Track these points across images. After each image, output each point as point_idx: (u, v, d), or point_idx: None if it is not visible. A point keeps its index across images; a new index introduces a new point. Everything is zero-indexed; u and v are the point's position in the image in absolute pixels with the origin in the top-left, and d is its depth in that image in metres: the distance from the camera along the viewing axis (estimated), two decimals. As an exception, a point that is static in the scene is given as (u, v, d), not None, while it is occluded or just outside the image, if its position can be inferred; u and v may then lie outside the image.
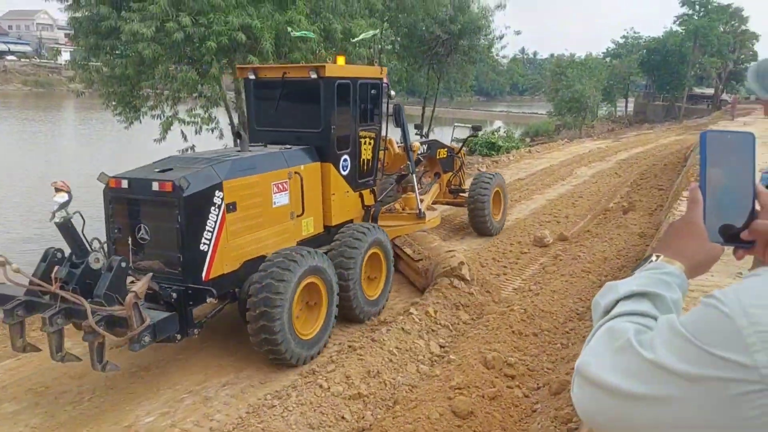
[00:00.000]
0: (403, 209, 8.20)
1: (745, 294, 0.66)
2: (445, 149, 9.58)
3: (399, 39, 17.63)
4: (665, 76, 47.16)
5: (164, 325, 4.49)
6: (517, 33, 27.89)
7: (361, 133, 6.94)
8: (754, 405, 0.62)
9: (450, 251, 7.40)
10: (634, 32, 49.95)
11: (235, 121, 12.92)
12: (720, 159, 0.92)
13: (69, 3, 11.57)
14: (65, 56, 43.60)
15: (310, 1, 11.44)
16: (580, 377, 0.78)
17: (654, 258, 0.97)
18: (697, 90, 52.55)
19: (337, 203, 6.69)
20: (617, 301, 0.88)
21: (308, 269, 5.36)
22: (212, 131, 12.04)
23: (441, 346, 6.08)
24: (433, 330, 6.30)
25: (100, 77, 11.94)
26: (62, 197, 4.67)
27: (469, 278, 7.02)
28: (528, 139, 30.68)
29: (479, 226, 9.57)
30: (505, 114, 54.92)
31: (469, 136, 11.72)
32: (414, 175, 7.92)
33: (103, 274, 4.53)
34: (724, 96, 49.65)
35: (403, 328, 6.05)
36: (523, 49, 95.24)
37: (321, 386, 4.93)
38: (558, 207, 12.36)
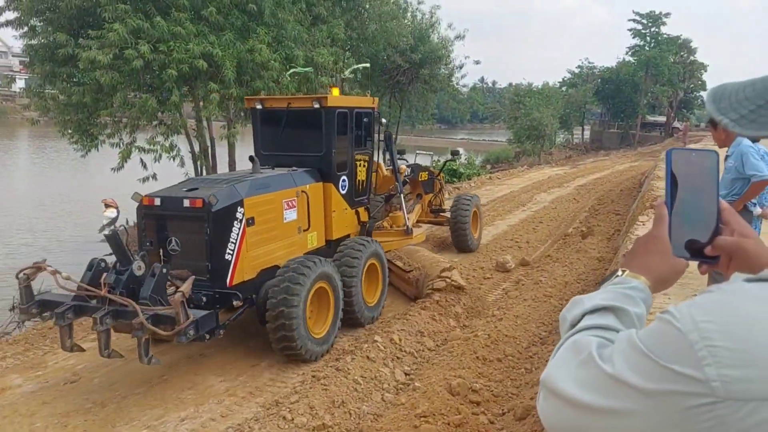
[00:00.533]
0: (390, 227, 8.91)
1: (696, 309, 0.68)
2: (426, 172, 10.20)
3: (362, 67, 17.87)
4: (619, 104, 48.95)
5: (205, 321, 5.06)
6: (477, 62, 28.63)
7: (357, 157, 7.66)
8: (707, 417, 0.63)
9: (439, 261, 8.15)
10: (589, 62, 51.79)
11: (196, 148, 12.79)
12: (685, 176, 0.95)
13: (24, 30, 11.37)
14: (20, 84, 42.60)
15: (272, 30, 11.51)
16: (545, 389, 0.80)
17: (620, 272, 0.99)
18: (650, 118, 54.56)
19: (337, 219, 7.41)
20: (583, 315, 0.90)
21: (319, 275, 6.01)
22: (173, 159, 11.87)
23: (406, 374, 6.04)
24: (398, 357, 6.27)
25: (57, 105, 11.71)
26: (111, 213, 5.28)
27: (462, 283, 7.83)
28: (489, 166, 31.20)
29: (461, 244, 10.26)
30: (465, 141, 55.80)
31: (447, 161, 12.62)
32: (402, 195, 8.69)
33: (147, 279, 5.16)
34: (676, 123, 51.69)
35: (367, 356, 6.00)
36: (482, 78, 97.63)
37: (284, 418, 4.83)
38: (519, 232, 12.55)
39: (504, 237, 12.09)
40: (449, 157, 11.74)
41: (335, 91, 7.49)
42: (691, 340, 0.65)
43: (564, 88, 46.91)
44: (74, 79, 11.39)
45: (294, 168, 7.05)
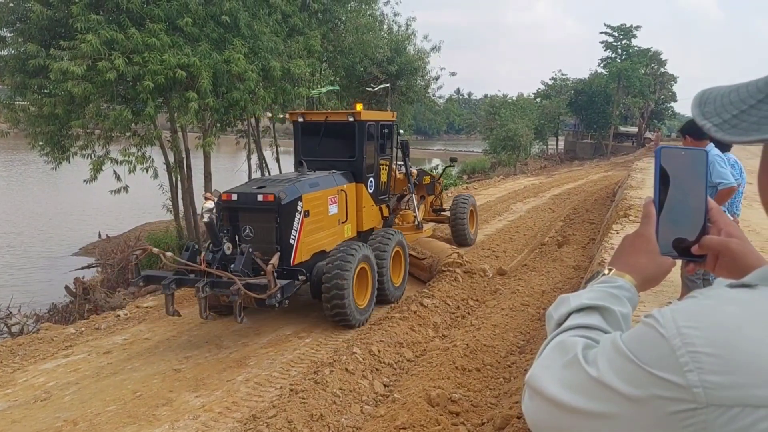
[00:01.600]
0: (401, 223, 10.36)
1: (680, 315, 0.68)
2: (429, 176, 11.56)
3: (338, 79, 17.87)
4: (592, 115, 49.72)
5: (287, 288, 6.44)
6: (452, 74, 28.82)
7: (380, 162, 9.12)
8: (689, 423, 0.63)
9: (447, 249, 9.67)
10: (562, 74, 52.53)
11: (171, 159, 12.64)
12: (674, 174, 0.95)
13: (-6, 41, 11.15)
14: (-11, 95, 41.72)
15: (248, 41, 11.46)
16: (530, 389, 0.80)
17: (606, 271, 0.99)
18: (623, 128, 55.52)
19: (366, 214, 8.81)
20: (569, 314, 0.91)
21: (362, 257, 7.36)
22: (146, 170, 11.68)
23: (385, 385, 6.00)
24: (377, 369, 6.23)
25: (27, 116, 11.47)
26: (210, 204, 6.41)
27: (464, 262, 9.31)
28: (465, 176, 31.40)
29: (460, 239, 11.50)
30: (442, 152, 56.17)
31: (447, 166, 13.75)
32: (413, 195, 10.16)
33: (237, 256, 6.52)
34: (648, 134, 52.72)
35: (346, 369, 5.95)
36: (458, 89, 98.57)
37: (262, 433, 4.75)
38: (496, 242, 12.62)
39: (481, 246, 12.14)
40: (449, 163, 12.83)
41: (359, 106, 8.68)
42: (674, 345, 0.65)
43: (538, 100, 47.53)
44: (45, 91, 11.18)
45: (333, 170, 8.33)
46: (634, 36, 49.36)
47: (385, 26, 18.18)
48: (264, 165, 16.04)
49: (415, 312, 7.74)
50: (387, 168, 9.34)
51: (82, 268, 14.48)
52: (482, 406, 5.43)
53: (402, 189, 10.20)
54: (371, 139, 8.73)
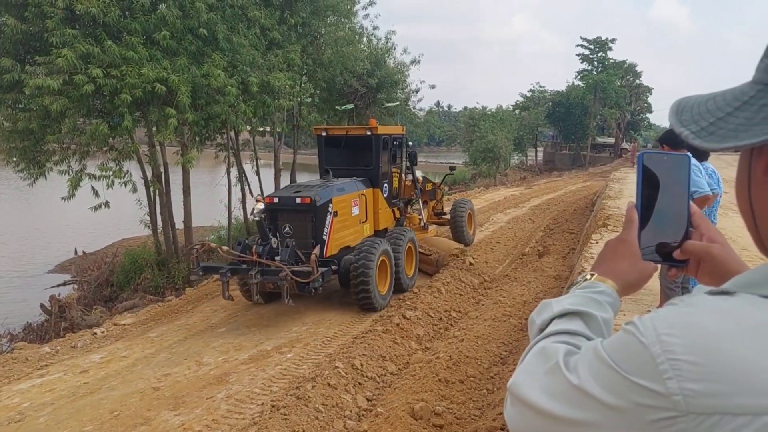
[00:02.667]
0: (408, 224, 11.30)
1: (660, 322, 0.68)
2: (431, 183, 12.69)
3: (318, 92, 17.87)
4: (570, 126, 50.29)
5: (326, 274, 7.72)
6: (432, 87, 28.95)
7: (393, 170, 10.42)
8: (668, 431, 0.63)
9: (451, 245, 11.30)
10: (540, 86, 53.18)
11: (149, 174, 12.51)
12: (656, 179, 0.95)
13: (-34, 55, 10.95)
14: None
15: (228, 54, 11.42)
16: (512, 395, 0.80)
17: (588, 276, 1.00)
18: (600, 139, 56.24)
19: (381, 215, 10.05)
20: (552, 319, 0.91)
21: (382, 251, 8.52)
22: (125, 185, 11.53)
23: (368, 400, 5.95)
24: (359, 383, 6.18)
25: (1, 132, 11.28)
26: (261, 205, 7.78)
27: (467, 258, 10.91)
28: (446, 188, 31.49)
29: (459, 238, 12.48)
30: (423, 164, 56.49)
31: (446, 175, 14.64)
32: (420, 200, 11.38)
33: (282, 249, 7.85)
34: (624, 144, 53.46)
35: (328, 383, 5.89)
36: (438, 102, 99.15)
37: (243, 451, 4.67)
38: (477, 252, 12.64)
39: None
40: (448, 171, 13.80)
41: (373, 122, 9.95)
42: (654, 353, 0.65)
43: (517, 112, 47.98)
44: (20, 105, 11.01)
45: (354, 177, 9.56)
46: (610, 49, 50.26)
47: (364, 39, 18.26)
48: (244, 178, 15.95)
49: (397, 324, 7.71)
50: (398, 175, 10.70)
51: (58, 286, 14.22)
52: (466, 418, 5.40)
53: (410, 194, 11.39)
54: (385, 149, 9.97)
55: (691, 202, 0.96)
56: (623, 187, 17.49)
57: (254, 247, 7.73)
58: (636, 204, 0.97)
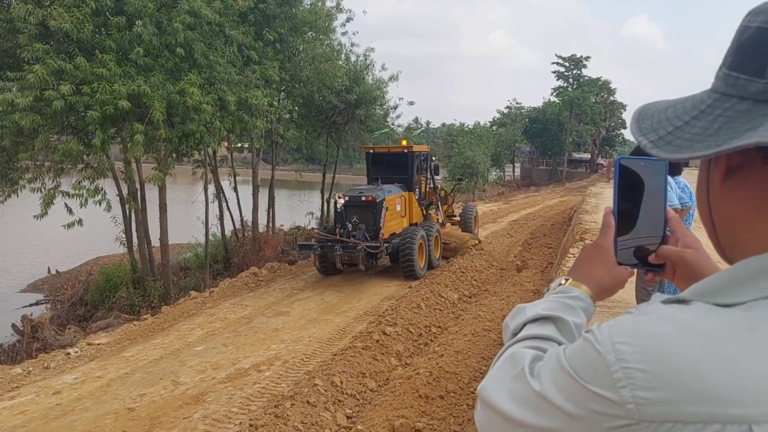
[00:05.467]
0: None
1: (615, 330, 0.68)
2: (444, 191, 15.51)
3: (297, 108, 17.88)
4: (547, 142, 51.04)
5: (386, 249, 11.02)
6: (411, 103, 29.10)
7: (421, 178, 13.54)
8: None
9: (466, 236, 14.11)
10: (517, 103, 53.85)
11: (124, 191, 12.36)
12: (634, 184, 0.95)
13: (-64, 71, 10.77)
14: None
15: (204, 71, 11.39)
16: (481, 400, 0.81)
17: (563, 281, 1.00)
18: (576, 155, 57.12)
19: (414, 212, 13.05)
20: (524, 324, 0.91)
21: (421, 235, 11.59)
22: (99, 204, 11.32)
23: (348, 417, 5.89)
24: (339, 400, 6.12)
25: (-28, 149, 11.07)
26: (342, 200, 11.27)
27: (480, 240, 14.48)
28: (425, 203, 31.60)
29: (468, 233, 15.14)
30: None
31: (456, 185, 18.22)
32: (439, 203, 14.36)
33: (360, 231, 11.10)
34: (600, 160, 54.28)
35: (308, 401, 5.82)
36: (416, 118, 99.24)
37: (220, 472, 4.58)
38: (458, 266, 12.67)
39: (447, 270, 12.17)
40: (457, 182, 17.81)
41: (404, 142, 13.51)
42: (608, 361, 0.66)
43: (494, 128, 48.54)
44: (-8, 122, 10.83)
45: (395, 183, 12.58)
46: (584, 66, 51.20)
47: (343, 56, 18.34)
48: (222, 195, 15.84)
49: (377, 341, 7.67)
50: (425, 182, 13.87)
51: (31, 305, 13.92)
52: (446, 434, 5.37)
53: (431, 198, 14.20)
54: (416, 162, 12.98)
55: (668, 207, 0.97)
56: (600, 202, 17.72)
57: (337, 230, 11.03)
58: (613, 209, 0.98)
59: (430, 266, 12.01)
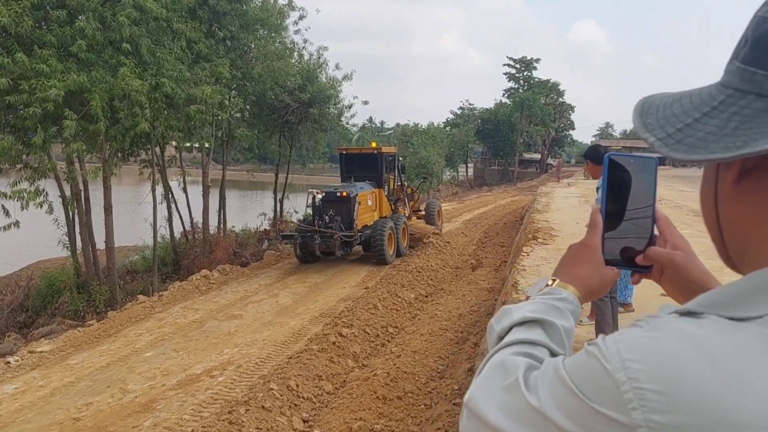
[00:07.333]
0: None
1: (624, 346, 0.63)
2: (410, 188, 16.99)
3: (248, 107, 17.59)
4: (498, 143, 51.92)
5: (359, 239, 12.74)
6: (365, 103, 29.15)
7: (389, 177, 14.88)
8: None
9: (428, 228, 15.65)
10: (469, 104, 54.72)
11: (67, 192, 11.89)
12: (623, 181, 0.93)
13: None
14: None
15: (152, 68, 11.06)
16: (468, 410, 0.75)
17: (550, 281, 0.96)
18: (527, 155, 58.32)
19: (384, 207, 14.45)
20: (511, 327, 0.87)
21: (390, 226, 13.09)
22: (40, 206, 10.81)
23: (305, 421, 5.81)
24: (295, 404, 6.03)
25: None
26: (321, 194, 12.54)
27: (440, 232, 16.12)
28: (394, 198, 31.68)
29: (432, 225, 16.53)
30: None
31: (421, 182, 19.78)
32: (406, 199, 15.80)
33: (335, 223, 12.32)
34: (550, 160, 55.64)
35: (263, 406, 5.71)
36: (371, 118, 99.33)
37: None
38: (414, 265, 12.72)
39: (404, 269, 12.19)
40: (422, 180, 19.15)
41: (374, 143, 15.24)
42: (618, 380, 0.61)
43: (448, 128, 49.06)
44: None
45: (367, 181, 13.97)
46: (535, 68, 52.44)
47: (295, 54, 18.16)
48: (171, 196, 15.43)
49: (333, 343, 7.60)
50: (393, 180, 15.24)
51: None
52: (405, 435, 5.36)
53: (398, 194, 15.63)
54: (385, 162, 14.40)
55: (657, 207, 0.95)
56: (550, 201, 18.10)
57: (315, 222, 12.35)
58: (601, 207, 0.95)
59: (399, 254, 13.47)
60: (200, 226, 16.30)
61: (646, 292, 5.61)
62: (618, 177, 0.93)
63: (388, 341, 8.25)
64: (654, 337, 0.63)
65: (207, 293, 11.02)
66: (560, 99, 57.67)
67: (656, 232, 0.96)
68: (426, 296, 10.56)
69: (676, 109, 0.72)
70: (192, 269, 13.74)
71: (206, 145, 15.81)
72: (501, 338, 0.86)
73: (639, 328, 0.66)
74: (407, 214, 15.48)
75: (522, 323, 0.86)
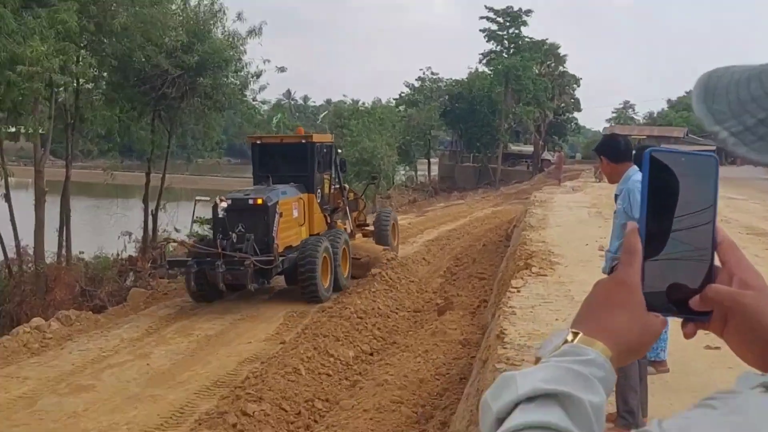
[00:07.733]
0: None
1: None
2: (353, 193, 17.50)
3: (106, 74, 17.32)
4: (474, 129, 52.71)
5: (283, 263, 13.02)
6: (281, 70, 28.92)
7: (324, 177, 15.18)
8: None
9: (381, 250, 16.04)
10: (432, 73, 55.16)
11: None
12: (669, 191, 0.92)
13: None
14: None
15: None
16: None
17: (570, 336, 0.93)
18: (514, 147, 59.63)
19: (316, 219, 14.67)
20: (516, 404, 0.83)
21: (324, 248, 13.21)
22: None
23: None
24: None
25: None
26: (224, 204, 12.56)
27: (396, 255, 16.45)
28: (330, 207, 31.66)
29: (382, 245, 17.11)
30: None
31: (369, 184, 20.32)
32: (347, 208, 16.14)
33: (246, 243, 12.42)
34: (546, 155, 56.70)
35: None
36: (289, 92, 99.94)
37: None
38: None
39: (339, 316, 12.15)
40: (370, 182, 19.48)
41: (301, 130, 15.80)
42: None
43: (402, 108, 49.67)
44: None
45: (291, 183, 14.09)
46: (524, 23, 53.75)
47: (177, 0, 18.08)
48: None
49: (234, 426, 7.49)
50: (329, 182, 15.55)
51: None
52: None
53: (336, 202, 16.01)
54: (318, 156, 14.69)
55: (718, 226, 0.94)
56: (548, 213, 18.44)
57: (218, 242, 12.27)
58: (639, 226, 0.94)
59: (337, 286, 13.77)
60: (31, 252, 15.90)
61: (681, 343, 5.70)
62: (663, 183, 0.93)
63: (315, 422, 8.24)
64: (737, 423, 0.63)
65: (41, 353, 10.82)
66: (561, 68, 59.37)
67: (717, 262, 0.95)
68: (371, 354, 10.55)
69: (755, 89, 0.72)
70: (18, 317, 13.58)
71: (40, 131, 15.43)
72: (500, 421, 0.83)
73: (713, 410, 0.66)
74: (349, 230, 15.83)
75: (532, 399, 0.83)
